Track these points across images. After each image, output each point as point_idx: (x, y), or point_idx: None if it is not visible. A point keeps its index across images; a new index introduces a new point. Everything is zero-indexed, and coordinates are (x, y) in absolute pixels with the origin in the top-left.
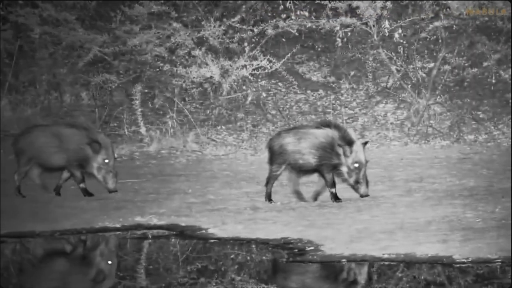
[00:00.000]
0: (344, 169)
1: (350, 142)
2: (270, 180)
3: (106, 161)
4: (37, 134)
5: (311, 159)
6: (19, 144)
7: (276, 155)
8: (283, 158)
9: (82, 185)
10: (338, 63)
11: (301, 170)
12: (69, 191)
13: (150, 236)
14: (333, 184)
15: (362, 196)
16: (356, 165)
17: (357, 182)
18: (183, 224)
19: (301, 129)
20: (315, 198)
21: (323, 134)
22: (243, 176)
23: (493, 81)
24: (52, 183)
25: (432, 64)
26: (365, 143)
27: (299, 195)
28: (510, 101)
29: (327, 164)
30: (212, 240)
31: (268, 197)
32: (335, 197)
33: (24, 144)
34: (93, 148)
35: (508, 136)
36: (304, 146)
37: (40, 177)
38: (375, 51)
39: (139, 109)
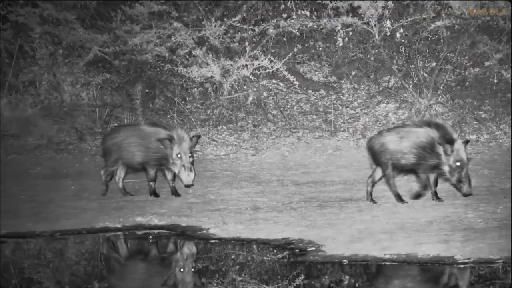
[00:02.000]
0: (446, 168)
1: (451, 141)
2: (390, 180)
3: (179, 155)
4: (123, 134)
5: (411, 158)
6: (107, 143)
7: (377, 155)
8: (386, 157)
9: (152, 184)
10: (339, 63)
11: (402, 170)
12: (69, 191)
13: (150, 237)
14: (426, 187)
15: (465, 195)
16: (458, 163)
17: (459, 181)
18: (183, 225)
19: (403, 128)
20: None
21: (424, 134)
22: (244, 176)
23: (495, 80)
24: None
25: (433, 64)
26: (466, 142)
27: (399, 197)
28: None
29: (424, 165)
30: (212, 241)
31: (370, 197)
32: (436, 195)
33: (111, 144)
34: (164, 144)
35: (509, 136)
36: (405, 146)
37: (123, 180)
38: (376, 50)
39: (140, 109)
